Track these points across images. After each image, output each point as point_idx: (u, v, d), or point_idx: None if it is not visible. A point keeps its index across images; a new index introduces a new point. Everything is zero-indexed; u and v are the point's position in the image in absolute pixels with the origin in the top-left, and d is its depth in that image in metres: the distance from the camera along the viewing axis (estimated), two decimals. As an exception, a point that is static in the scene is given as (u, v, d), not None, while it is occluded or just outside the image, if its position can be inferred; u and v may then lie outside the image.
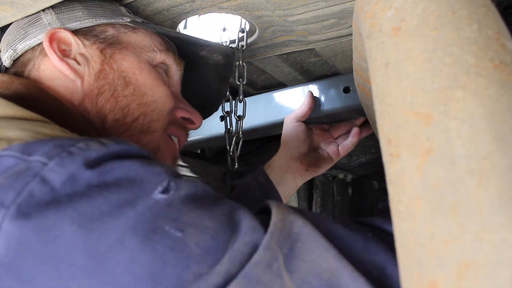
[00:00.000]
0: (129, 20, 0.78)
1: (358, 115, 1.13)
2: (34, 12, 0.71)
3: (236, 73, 1.00)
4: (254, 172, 1.04)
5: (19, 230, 0.37)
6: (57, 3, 0.71)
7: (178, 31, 0.99)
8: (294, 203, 1.50)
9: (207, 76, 0.93)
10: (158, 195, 0.43)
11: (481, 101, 0.39)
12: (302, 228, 0.45)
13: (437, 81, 0.41)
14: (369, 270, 0.43)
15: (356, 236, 0.46)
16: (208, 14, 0.93)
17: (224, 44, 0.99)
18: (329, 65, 1.21)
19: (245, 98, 1.06)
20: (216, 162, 1.68)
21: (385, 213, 0.47)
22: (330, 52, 1.11)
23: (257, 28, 0.97)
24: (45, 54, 0.70)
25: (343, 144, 1.09)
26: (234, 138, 1.02)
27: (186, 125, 0.83)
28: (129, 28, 0.78)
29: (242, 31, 0.97)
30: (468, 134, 0.38)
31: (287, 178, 1.07)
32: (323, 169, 1.09)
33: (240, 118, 1.03)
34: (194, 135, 1.28)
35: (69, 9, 0.75)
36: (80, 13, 0.75)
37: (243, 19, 0.95)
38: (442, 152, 0.39)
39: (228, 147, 1.01)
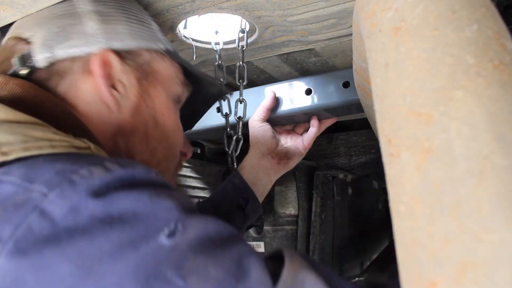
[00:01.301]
0: (164, 48, 0.74)
1: (357, 111, 1.12)
2: (33, 12, 0.71)
3: (237, 74, 1.00)
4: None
5: (15, 268, 0.36)
6: (95, 4, 0.70)
7: (178, 31, 0.99)
8: (294, 203, 1.50)
9: (197, 101, 0.92)
10: (163, 239, 0.40)
11: (481, 101, 0.39)
12: (310, 277, 0.43)
13: (437, 81, 0.41)
14: None
15: None
16: (208, 14, 0.93)
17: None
18: (329, 65, 1.21)
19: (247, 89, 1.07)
20: (216, 162, 1.68)
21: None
22: (330, 52, 1.12)
23: (257, 28, 0.97)
24: (88, 73, 0.64)
25: (306, 135, 1.12)
26: (234, 138, 1.02)
27: (181, 157, 0.81)
28: (159, 54, 0.74)
29: (242, 31, 0.97)
30: (468, 134, 0.38)
31: (261, 176, 1.09)
32: (294, 161, 1.12)
33: (240, 119, 1.03)
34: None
35: (111, 19, 0.70)
36: (122, 29, 0.70)
37: (243, 19, 0.95)
38: (442, 152, 0.39)
39: (227, 147, 1.01)
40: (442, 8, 0.45)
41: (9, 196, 0.40)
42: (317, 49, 1.10)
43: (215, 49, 1.00)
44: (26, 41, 0.66)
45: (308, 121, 1.14)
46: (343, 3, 0.83)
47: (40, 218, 0.38)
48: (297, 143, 1.14)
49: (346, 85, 1.07)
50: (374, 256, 1.83)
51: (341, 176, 1.52)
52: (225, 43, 1.08)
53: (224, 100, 1.01)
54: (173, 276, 0.38)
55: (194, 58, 1.08)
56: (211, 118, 1.21)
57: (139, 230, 0.39)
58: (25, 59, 0.63)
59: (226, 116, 1.01)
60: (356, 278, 1.41)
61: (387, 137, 0.45)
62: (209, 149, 1.78)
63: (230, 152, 1.01)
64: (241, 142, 1.04)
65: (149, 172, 0.47)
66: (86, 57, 0.65)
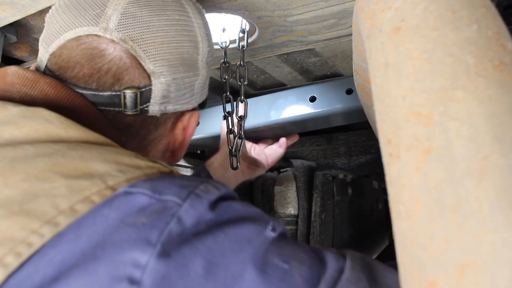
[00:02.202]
0: (205, 96, 0.79)
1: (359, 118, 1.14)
2: (33, 12, 0.71)
3: (237, 74, 1.00)
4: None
5: (164, 268, 0.40)
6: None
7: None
8: (294, 203, 1.50)
9: None
10: (269, 233, 0.48)
11: (481, 101, 0.39)
12: (373, 261, 0.51)
13: (437, 82, 0.41)
14: None
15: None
16: (208, 14, 0.93)
17: None
18: (329, 65, 1.21)
19: (247, 99, 1.07)
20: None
21: None
22: (330, 52, 1.12)
23: (257, 28, 0.97)
24: (175, 129, 0.72)
25: (272, 154, 1.15)
26: (236, 138, 1.03)
27: None
28: None
29: (243, 31, 0.97)
30: (467, 135, 0.38)
31: (229, 175, 1.11)
32: (259, 171, 1.16)
33: (241, 118, 1.03)
34: (196, 134, 1.29)
35: (206, 74, 0.74)
36: (206, 87, 0.77)
37: (243, 19, 0.95)
38: (442, 153, 0.39)
39: (229, 147, 1.01)
40: (442, 8, 0.45)
41: (146, 205, 0.45)
42: (317, 49, 1.10)
43: (221, 47, 1.00)
44: (148, 76, 0.63)
45: (276, 137, 1.18)
46: (343, 3, 0.83)
47: (177, 225, 0.43)
48: (261, 158, 1.17)
49: (349, 92, 1.08)
50: (374, 256, 1.83)
51: (341, 176, 1.52)
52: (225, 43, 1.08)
53: (228, 100, 1.01)
54: (279, 262, 0.45)
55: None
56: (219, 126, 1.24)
57: (251, 228, 0.47)
58: (141, 100, 0.63)
59: (229, 114, 1.01)
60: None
61: (387, 137, 0.45)
62: (209, 149, 1.78)
63: (233, 151, 1.01)
64: (243, 142, 1.04)
65: (232, 191, 0.55)
66: (180, 112, 0.71)
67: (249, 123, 1.20)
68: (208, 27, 0.74)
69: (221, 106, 1.01)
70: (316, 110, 1.13)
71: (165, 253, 0.41)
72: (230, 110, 1.00)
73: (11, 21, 0.75)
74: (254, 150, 1.22)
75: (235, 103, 1.02)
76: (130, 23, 0.62)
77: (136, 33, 0.62)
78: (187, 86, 0.69)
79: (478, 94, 0.39)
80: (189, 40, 0.67)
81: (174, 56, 0.65)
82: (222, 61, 1.01)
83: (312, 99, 1.13)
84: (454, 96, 0.40)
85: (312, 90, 1.14)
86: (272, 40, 1.03)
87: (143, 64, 0.62)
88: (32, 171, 0.44)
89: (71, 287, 0.37)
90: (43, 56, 0.65)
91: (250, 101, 1.22)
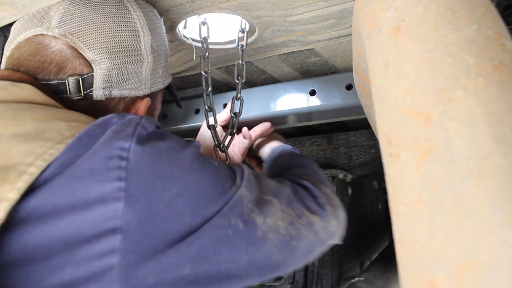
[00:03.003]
0: (170, 80, 0.92)
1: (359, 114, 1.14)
2: (33, 12, 0.71)
3: (235, 72, 1.00)
4: None
5: (141, 150, 0.57)
6: (151, 42, 0.80)
7: (178, 31, 0.99)
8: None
9: None
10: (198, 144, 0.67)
11: (481, 101, 0.39)
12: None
13: (436, 81, 0.41)
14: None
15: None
16: (208, 14, 0.93)
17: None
18: (329, 65, 1.21)
19: (243, 90, 1.07)
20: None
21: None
22: (330, 52, 1.12)
23: (256, 28, 0.97)
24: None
25: (240, 146, 1.14)
26: (227, 133, 1.02)
27: None
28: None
29: (242, 31, 0.97)
30: (467, 134, 0.38)
31: None
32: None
33: (236, 115, 1.03)
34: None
35: (157, 59, 0.83)
36: (161, 73, 0.86)
37: (243, 19, 0.95)
38: (442, 152, 0.39)
39: (215, 141, 1.00)
40: (442, 8, 0.45)
41: (118, 120, 0.61)
42: (317, 49, 1.10)
43: (201, 39, 0.99)
44: (89, 64, 0.73)
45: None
46: (343, 3, 0.83)
47: (142, 129, 0.60)
48: (234, 150, 1.16)
49: (349, 87, 1.08)
50: (374, 256, 1.83)
51: (341, 176, 1.52)
52: (225, 43, 1.08)
53: (208, 95, 1.01)
54: (211, 160, 0.67)
55: (194, 58, 1.08)
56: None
57: (183, 143, 0.66)
58: (84, 86, 0.73)
59: (211, 110, 1.00)
60: (356, 278, 1.41)
61: (387, 137, 0.45)
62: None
63: (222, 146, 1.00)
64: (234, 138, 1.04)
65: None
66: (131, 98, 0.80)
67: (247, 114, 1.19)
68: (152, 19, 0.83)
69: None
70: (316, 104, 1.12)
71: (140, 142, 0.57)
72: (210, 105, 1.00)
73: (10, 21, 0.75)
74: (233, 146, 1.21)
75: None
76: (69, 20, 0.72)
77: (75, 28, 0.72)
78: (131, 72, 0.78)
79: (478, 94, 0.39)
80: (128, 30, 0.77)
81: (112, 45, 0.74)
82: (202, 54, 1.00)
83: (312, 93, 1.13)
84: (454, 96, 0.40)
85: (312, 84, 1.13)
86: (272, 40, 1.03)
87: (83, 53, 0.72)
88: (37, 116, 0.58)
89: (80, 166, 0.53)
90: (3, 61, 0.76)
91: (249, 91, 1.21)
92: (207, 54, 0.99)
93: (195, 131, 1.30)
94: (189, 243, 0.57)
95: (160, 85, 0.86)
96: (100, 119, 0.60)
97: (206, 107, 0.99)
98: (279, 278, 1.43)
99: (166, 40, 0.88)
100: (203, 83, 0.99)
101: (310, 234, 0.71)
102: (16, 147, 0.52)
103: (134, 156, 0.56)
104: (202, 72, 0.99)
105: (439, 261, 0.36)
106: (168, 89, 0.93)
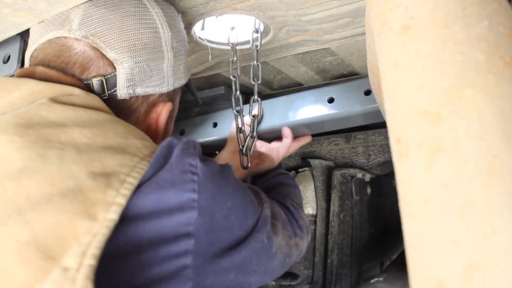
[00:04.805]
0: (190, 74, 0.92)
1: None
2: (50, 17, 0.73)
3: (251, 73, 1.01)
4: None
5: (205, 168, 0.63)
6: (172, 38, 0.81)
7: (193, 32, 1.00)
8: (313, 203, 1.49)
9: None
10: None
11: (491, 99, 0.38)
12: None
13: (446, 80, 0.41)
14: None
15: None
16: (222, 15, 0.94)
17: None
18: (346, 64, 1.21)
19: (264, 100, 1.07)
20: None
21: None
22: (345, 51, 1.11)
23: (271, 28, 0.97)
24: (150, 113, 0.82)
25: (281, 145, 1.17)
26: (247, 137, 1.03)
27: None
28: None
29: (256, 31, 0.98)
30: (477, 133, 0.37)
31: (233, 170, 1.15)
32: (265, 165, 1.16)
33: (255, 117, 1.03)
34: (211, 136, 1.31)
35: (178, 55, 0.83)
36: (182, 68, 0.86)
37: (257, 19, 0.95)
38: (451, 151, 0.38)
39: (240, 146, 1.01)
40: (452, 5, 0.44)
41: (179, 141, 0.67)
42: (332, 48, 1.10)
43: (230, 44, 1.01)
44: (112, 63, 0.74)
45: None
46: (357, 1, 0.83)
47: (198, 149, 0.67)
48: (272, 152, 1.18)
49: (367, 93, 1.07)
50: (394, 256, 1.81)
51: (359, 175, 1.51)
52: (240, 44, 1.08)
53: (237, 99, 1.02)
54: (247, 188, 0.77)
55: (210, 59, 1.08)
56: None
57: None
58: (108, 86, 0.74)
59: (239, 113, 1.01)
60: (375, 279, 1.40)
61: (397, 137, 0.44)
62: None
63: (244, 150, 1.01)
64: (255, 141, 1.04)
65: None
66: (155, 95, 0.81)
67: (267, 124, 1.20)
68: (170, 15, 0.83)
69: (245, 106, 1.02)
70: (334, 111, 1.12)
71: (202, 160, 0.64)
72: (240, 109, 1.01)
73: (29, 27, 0.77)
74: (265, 148, 1.23)
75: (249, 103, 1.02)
76: (89, 22, 0.73)
77: (96, 29, 0.73)
78: (154, 69, 0.78)
79: (488, 92, 0.39)
80: (148, 27, 0.77)
81: (133, 43, 0.75)
82: (230, 59, 1.01)
83: (330, 100, 1.13)
84: (464, 94, 0.39)
85: (330, 91, 1.13)
86: (287, 39, 1.03)
87: (105, 53, 0.73)
88: (118, 131, 0.64)
89: (162, 177, 0.59)
90: (26, 61, 0.78)
91: (267, 102, 1.22)
92: (235, 58, 1.00)
93: (213, 145, 1.31)
94: (238, 251, 0.67)
95: (182, 80, 0.87)
96: (165, 142, 0.65)
97: (235, 111, 1.00)
98: (295, 277, 1.42)
99: (185, 35, 0.89)
100: (233, 87, 1.01)
101: (296, 252, 0.85)
102: (111, 158, 0.59)
103: (201, 172, 0.63)
104: (231, 77, 1.01)
105: (448, 262, 0.35)
106: (187, 86, 0.94)
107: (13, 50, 0.95)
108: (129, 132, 0.66)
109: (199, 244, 0.61)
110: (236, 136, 1.09)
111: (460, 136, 0.38)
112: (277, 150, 1.16)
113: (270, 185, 1.05)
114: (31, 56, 0.76)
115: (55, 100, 0.64)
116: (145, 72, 0.77)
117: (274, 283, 1.43)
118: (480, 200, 0.35)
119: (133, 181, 0.58)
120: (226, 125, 1.30)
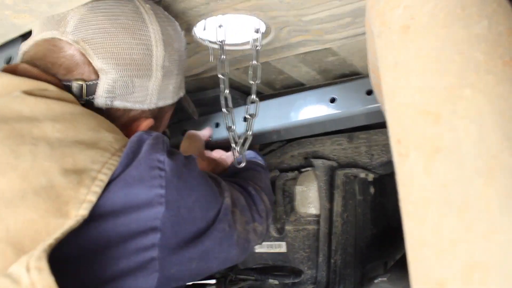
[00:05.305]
0: (183, 94, 0.93)
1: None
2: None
3: (250, 73, 1.00)
4: None
5: (171, 163, 0.65)
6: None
7: (194, 33, 1.00)
8: (316, 203, 1.49)
9: None
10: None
11: (490, 99, 0.38)
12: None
13: (445, 80, 0.41)
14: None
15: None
16: (223, 15, 0.94)
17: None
18: (347, 63, 1.20)
19: (265, 100, 1.07)
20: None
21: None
22: (347, 50, 1.11)
23: (272, 29, 0.97)
24: (128, 127, 0.82)
25: (226, 156, 1.21)
26: (243, 136, 1.03)
27: None
28: None
29: (257, 31, 0.97)
30: (476, 133, 0.37)
31: None
32: (219, 169, 1.19)
33: (251, 116, 1.03)
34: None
35: (169, 74, 0.83)
36: (171, 88, 0.86)
37: (257, 19, 0.95)
38: (450, 152, 0.38)
39: (233, 144, 1.01)
40: (452, 5, 0.44)
41: (148, 136, 0.69)
42: (334, 48, 1.10)
43: (218, 43, 1.00)
44: (96, 72, 0.74)
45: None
46: (357, 1, 0.83)
47: (166, 144, 0.70)
48: (221, 159, 1.21)
49: (369, 93, 1.07)
50: (398, 256, 1.81)
51: (362, 175, 1.51)
52: (242, 44, 1.08)
53: (226, 97, 1.02)
54: (209, 177, 0.80)
55: (211, 60, 1.08)
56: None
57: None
58: (86, 92, 0.74)
59: (229, 111, 1.01)
60: (379, 279, 1.40)
61: (397, 137, 0.44)
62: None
63: (237, 149, 1.01)
64: (250, 140, 1.04)
65: None
66: (138, 110, 0.81)
67: (268, 125, 1.20)
68: (170, 33, 0.83)
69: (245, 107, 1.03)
70: (336, 111, 1.12)
71: (169, 155, 0.66)
72: (230, 107, 1.01)
73: (30, 28, 0.78)
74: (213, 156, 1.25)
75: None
76: (84, 27, 0.74)
77: (88, 35, 0.74)
78: (137, 85, 0.78)
79: (487, 92, 0.39)
80: (141, 43, 0.77)
81: (122, 56, 0.75)
82: (219, 57, 1.00)
83: (332, 100, 1.13)
84: (463, 94, 0.39)
85: (332, 91, 1.13)
86: (288, 40, 1.03)
87: (91, 61, 0.74)
88: (90, 125, 0.65)
89: (130, 174, 0.61)
90: (19, 54, 0.79)
91: (269, 102, 1.22)
92: (223, 56, 0.99)
93: (215, 145, 1.31)
94: (202, 241, 0.70)
95: (169, 100, 0.86)
96: (134, 137, 0.67)
97: (224, 109, 1.00)
98: (298, 274, 1.42)
99: (184, 55, 0.88)
100: (221, 85, 1.00)
101: (254, 237, 0.88)
102: (82, 153, 0.60)
103: (168, 168, 0.65)
104: (219, 75, 1.00)
105: (447, 262, 0.35)
106: (180, 102, 0.94)
107: (15, 52, 0.95)
108: (100, 125, 0.67)
109: (164, 237, 0.63)
110: (193, 135, 1.17)
111: (460, 136, 0.38)
112: (225, 161, 1.19)
113: (237, 170, 1.07)
114: (25, 51, 0.77)
115: (28, 93, 0.64)
116: (127, 86, 0.77)
117: (277, 282, 1.43)
118: (479, 200, 0.35)
119: (104, 177, 0.60)
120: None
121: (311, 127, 1.21)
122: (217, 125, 1.32)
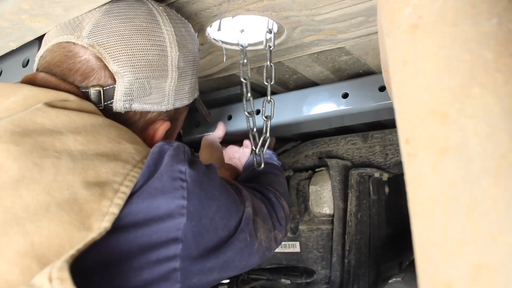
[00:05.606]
0: (197, 95, 0.93)
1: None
2: (65, 21, 0.74)
3: (264, 74, 1.01)
4: None
5: (193, 173, 0.66)
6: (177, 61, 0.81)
7: (208, 34, 1.01)
8: (330, 203, 1.49)
9: None
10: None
11: (499, 98, 0.38)
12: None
13: (454, 79, 0.41)
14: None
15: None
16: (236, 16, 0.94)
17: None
18: (361, 63, 1.20)
19: (273, 96, 1.08)
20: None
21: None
22: (360, 50, 1.10)
23: (285, 29, 0.97)
24: (145, 131, 0.83)
25: (241, 157, 1.23)
26: (262, 138, 1.03)
27: None
28: None
29: (270, 31, 0.98)
30: (484, 132, 0.37)
31: None
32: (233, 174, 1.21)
33: (268, 118, 1.03)
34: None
35: (184, 75, 0.84)
36: (187, 89, 0.86)
37: (270, 20, 0.96)
38: (459, 151, 0.38)
39: (253, 147, 1.02)
40: (461, 3, 0.44)
41: (169, 146, 0.69)
42: (347, 48, 1.09)
43: (240, 47, 1.01)
44: (113, 76, 0.75)
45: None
46: (369, 0, 0.82)
47: (188, 154, 0.70)
48: (234, 162, 1.24)
49: (382, 89, 1.07)
50: (413, 256, 1.79)
51: (377, 175, 1.50)
52: (254, 44, 1.09)
53: (248, 100, 1.03)
54: (231, 188, 0.80)
55: (225, 60, 1.09)
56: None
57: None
58: (104, 98, 0.75)
59: (250, 114, 1.02)
60: (393, 279, 1.39)
61: (405, 137, 0.44)
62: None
63: (257, 151, 1.01)
64: (268, 142, 1.04)
65: None
66: (154, 112, 0.82)
67: (280, 119, 1.20)
68: (183, 34, 0.84)
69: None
70: (349, 107, 1.12)
71: (191, 166, 0.66)
72: (252, 110, 1.02)
73: (46, 31, 0.79)
74: (226, 156, 1.28)
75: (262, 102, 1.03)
76: (99, 31, 0.74)
77: (103, 39, 0.74)
78: (154, 87, 0.79)
79: (496, 91, 0.38)
80: (156, 45, 0.78)
81: (137, 58, 0.76)
82: (241, 61, 1.02)
83: (345, 96, 1.13)
84: (471, 93, 0.39)
85: (344, 87, 1.13)
86: (301, 39, 1.03)
87: (108, 65, 0.74)
88: (111, 136, 0.65)
89: (152, 186, 0.62)
90: (36, 59, 0.79)
91: (281, 96, 1.22)
92: (245, 61, 1.01)
93: (227, 138, 1.32)
94: (223, 252, 0.70)
95: (185, 101, 0.87)
96: (156, 148, 0.68)
97: (246, 113, 1.01)
98: (311, 274, 1.42)
99: (198, 56, 0.89)
100: (243, 89, 1.01)
101: (275, 245, 0.88)
102: (104, 166, 0.61)
103: (190, 178, 0.65)
104: (242, 79, 1.01)
105: (455, 262, 0.35)
106: (195, 103, 0.95)
107: (32, 54, 0.97)
108: (121, 136, 0.67)
109: (186, 248, 0.64)
110: (214, 141, 1.17)
111: (468, 135, 0.38)
112: (239, 160, 1.21)
113: (255, 173, 1.07)
114: (40, 56, 0.78)
115: (49, 105, 0.65)
116: (144, 88, 0.77)
117: (289, 282, 1.44)
118: (487, 200, 0.35)
119: (126, 190, 0.60)
120: (241, 118, 1.31)
121: (323, 122, 1.21)
122: (229, 117, 1.33)
